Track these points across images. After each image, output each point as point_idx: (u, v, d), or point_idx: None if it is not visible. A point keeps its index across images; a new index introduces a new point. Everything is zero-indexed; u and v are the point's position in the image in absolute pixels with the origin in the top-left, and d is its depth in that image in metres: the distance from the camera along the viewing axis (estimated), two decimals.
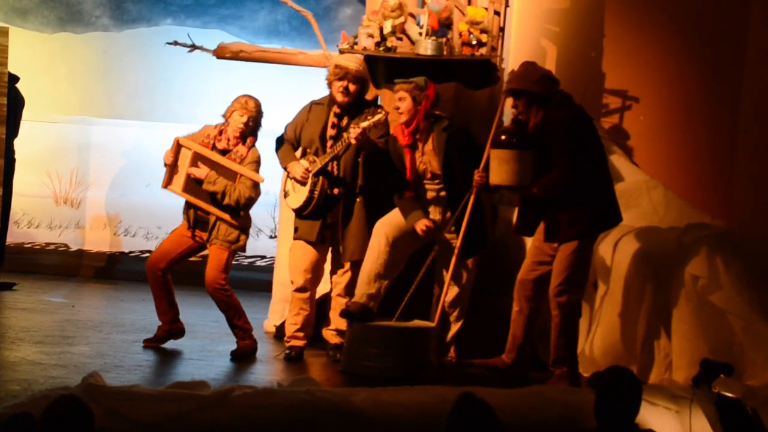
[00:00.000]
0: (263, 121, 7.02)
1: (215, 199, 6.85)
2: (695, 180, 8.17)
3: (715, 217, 7.67)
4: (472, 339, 7.02)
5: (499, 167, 6.40)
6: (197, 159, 6.93)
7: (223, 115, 6.98)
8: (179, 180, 6.97)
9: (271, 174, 7.49)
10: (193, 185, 6.93)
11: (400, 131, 6.81)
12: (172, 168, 6.99)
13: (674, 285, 6.74)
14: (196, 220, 6.97)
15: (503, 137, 6.43)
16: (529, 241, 6.90)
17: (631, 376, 4.39)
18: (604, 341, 6.92)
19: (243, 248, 6.99)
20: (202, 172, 6.89)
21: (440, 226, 6.82)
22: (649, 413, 5.20)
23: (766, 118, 7.96)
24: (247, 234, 7.00)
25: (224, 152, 6.95)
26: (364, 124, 6.71)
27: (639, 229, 7.19)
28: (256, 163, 6.94)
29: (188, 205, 7.01)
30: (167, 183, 7.04)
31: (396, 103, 6.77)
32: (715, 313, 6.58)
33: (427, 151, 6.79)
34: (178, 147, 6.97)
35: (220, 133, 6.97)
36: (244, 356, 6.87)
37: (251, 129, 6.97)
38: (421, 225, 6.70)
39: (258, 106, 6.96)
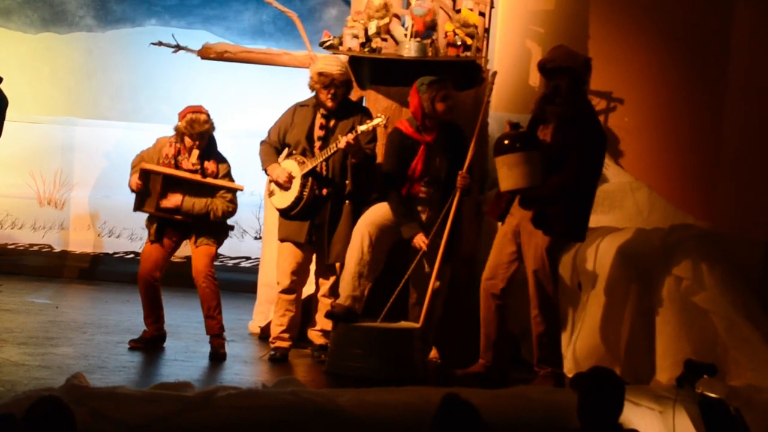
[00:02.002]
0: (254, 120, 7.01)
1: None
2: (679, 181, 8.20)
3: (699, 219, 7.71)
4: (459, 343, 7.02)
5: (510, 172, 6.32)
6: (167, 181, 6.84)
7: (175, 129, 6.91)
8: (151, 202, 6.87)
9: (256, 175, 7.49)
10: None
11: (409, 129, 6.77)
12: (141, 193, 6.91)
13: (658, 286, 6.76)
14: (160, 225, 6.93)
15: (506, 142, 6.34)
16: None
17: (614, 377, 4.39)
18: (589, 342, 6.93)
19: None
20: (174, 201, 6.84)
21: (429, 225, 6.79)
22: (633, 414, 5.22)
23: (750, 120, 8.00)
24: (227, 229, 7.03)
25: (191, 171, 6.93)
26: (362, 128, 6.71)
27: (623, 230, 7.22)
28: (229, 174, 6.96)
29: (150, 220, 6.97)
30: (139, 206, 6.95)
31: (445, 102, 6.68)
32: (699, 313, 6.60)
33: (437, 152, 6.79)
34: (145, 174, 6.86)
35: (179, 152, 6.92)
36: (222, 355, 6.86)
37: (207, 143, 6.92)
38: (419, 241, 6.67)
39: (205, 121, 6.85)
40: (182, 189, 6.88)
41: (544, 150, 6.33)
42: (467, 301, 7.17)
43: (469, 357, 6.80)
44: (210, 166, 6.92)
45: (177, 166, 6.92)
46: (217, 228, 6.94)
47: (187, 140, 6.88)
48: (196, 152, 6.89)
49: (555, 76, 6.37)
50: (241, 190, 6.94)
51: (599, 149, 6.43)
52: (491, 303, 6.58)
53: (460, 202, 6.72)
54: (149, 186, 6.88)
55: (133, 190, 6.94)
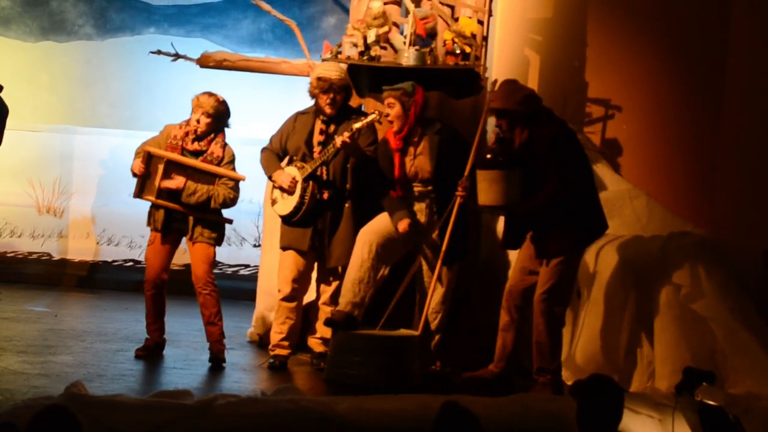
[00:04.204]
0: (254, 128, 6.99)
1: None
2: (678, 189, 8.21)
3: (697, 226, 7.71)
4: (459, 351, 7.01)
5: (489, 188, 6.34)
6: (170, 166, 6.81)
7: (192, 107, 6.91)
8: (152, 187, 6.83)
9: (255, 183, 7.48)
10: (166, 191, 6.85)
11: (391, 135, 6.82)
12: (143, 178, 6.88)
13: (657, 293, 6.77)
14: (167, 217, 6.89)
15: (489, 156, 6.37)
16: (513, 254, 6.90)
17: (614, 384, 4.39)
18: (588, 349, 6.93)
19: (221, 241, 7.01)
20: (177, 182, 6.82)
21: (427, 229, 6.81)
22: (632, 421, 5.22)
23: (748, 127, 8.01)
24: (224, 227, 7.00)
25: (196, 154, 6.92)
26: (357, 125, 6.73)
27: (622, 237, 7.22)
28: (233, 162, 6.93)
29: (155, 207, 6.92)
30: (139, 192, 6.91)
31: (385, 110, 6.79)
32: (698, 321, 6.61)
33: (419, 155, 6.80)
34: (149, 157, 6.83)
35: (186, 134, 6.91)
36: (222, 360, 6.85)
37: (212, 126, 6.89)
38: (402, 224, 6.69)
39: (216, 102, 6.86)
40: (185, 174, 6.83)
41: (527, 167, 6.33)
42: (466, 308, 7.17)
43: (469, 363, 6.81)
44: (216, 150, 6.91)
45: (183, 149, 6.89)
46: (214, 222, 6.91)
47: (191, 123, 6.82)
48: (206, 120, 6.83)
49: (498, 115, 6.44)
50: (243, 179, 6.92)
51: (561, 153, 6.34)
52: (513, 314, 6.60)
53: (460, 209, 6.72)
54: (151, 170, 6.82)
55: (135, 174, 6.90)
